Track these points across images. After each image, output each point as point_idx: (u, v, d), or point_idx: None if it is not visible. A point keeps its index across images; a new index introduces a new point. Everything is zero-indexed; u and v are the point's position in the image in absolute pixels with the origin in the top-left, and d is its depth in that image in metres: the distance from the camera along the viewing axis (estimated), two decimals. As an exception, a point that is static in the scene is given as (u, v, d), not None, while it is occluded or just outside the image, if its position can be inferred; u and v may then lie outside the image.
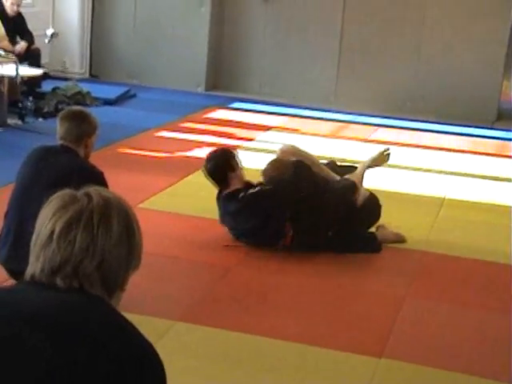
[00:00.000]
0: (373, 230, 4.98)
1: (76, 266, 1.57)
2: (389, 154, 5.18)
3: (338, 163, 5.37)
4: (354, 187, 4.82)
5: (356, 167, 5.13)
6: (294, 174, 4.68)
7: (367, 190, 5.01)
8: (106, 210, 1.63)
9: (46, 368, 1.40)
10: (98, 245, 1.59)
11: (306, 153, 5.05)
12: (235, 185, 4.69)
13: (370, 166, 5.11)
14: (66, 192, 1.67)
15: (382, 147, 5.39)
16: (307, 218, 4.60)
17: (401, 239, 5.00)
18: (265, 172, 4.79)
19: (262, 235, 4.59)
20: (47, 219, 1.63)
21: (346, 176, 4.95)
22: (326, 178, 4.92)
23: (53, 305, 1.52)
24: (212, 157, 4.81)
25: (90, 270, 1.57)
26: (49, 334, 1.45)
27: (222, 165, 4.71)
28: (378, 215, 4.96)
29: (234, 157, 4.78)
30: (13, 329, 1.47)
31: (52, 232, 1.60)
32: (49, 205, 1.65)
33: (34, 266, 1.61)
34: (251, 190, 4.63)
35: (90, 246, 1.58)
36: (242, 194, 4.60)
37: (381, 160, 5.18)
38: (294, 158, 4.84)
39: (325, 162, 5.28)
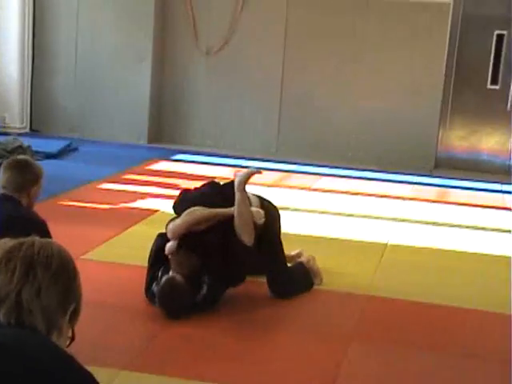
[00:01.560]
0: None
1: (18, 293, 1.57)
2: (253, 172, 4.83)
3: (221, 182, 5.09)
4: (251, 238, 4.53)
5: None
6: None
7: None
8: (46, 246, 1.66)
9: None
10: (38, 272, 1.59)
11: (186, 219, 4.48)
12: None
13: (246, 183, 4.69)
14: (5, 239, 1.69)
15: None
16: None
17: (320, 276, 5.04)
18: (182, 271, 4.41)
19: None
20: None
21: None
22: (222, 216, 4.58)
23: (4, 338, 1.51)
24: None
25: (30, 296, 1.57)
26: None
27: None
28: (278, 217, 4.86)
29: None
30: None
31: None
32: None
33: None
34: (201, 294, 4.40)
35: (30, 271, 1.58)
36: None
37: (249, 173, 4.75)
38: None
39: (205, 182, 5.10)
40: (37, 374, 1.44)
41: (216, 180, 5.23)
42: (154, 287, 4.43)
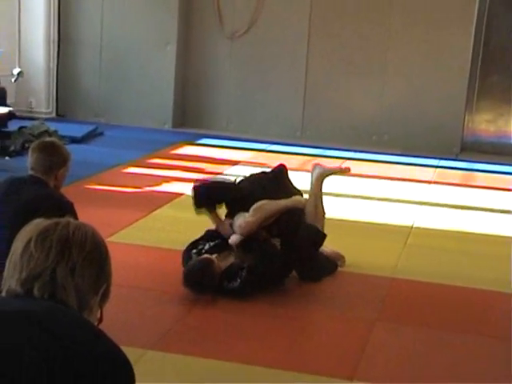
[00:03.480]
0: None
1: (52, 270, 1.59)
2: (346, 169, 5.05)
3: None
4: (323, 237, 4.71)
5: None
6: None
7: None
8: (81, 227, 1.69)
9: (21, 360, 1.41)
10: (73, 251, 1.61)
11: (259, 215, 4.55)
12: None
13: (327, 176, 4.93)
14: (39, 219, 1.71)
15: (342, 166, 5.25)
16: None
17: (343, 257, 5.03)
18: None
19: None
20: (21, 236, 1.67)
21: (307, 198, 4.81)
22: (287, 208, 4.68)
23: (29, 306, 1.54)
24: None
25: (64, 274, 1.60)
26: (26, 330, 1.46)
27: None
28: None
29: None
30: None
31: (29, 240, 1.63)
32: (22, 230, 1.69)
33: (10, 279, 1.64)
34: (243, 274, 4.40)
35: (66, 250, 1.60)
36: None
37: (336, 169, 5.06)
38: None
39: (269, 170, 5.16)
40: (67, 343, 1.46)
41: (263, 171, 5.23)
42: (193, 254, 4.48)
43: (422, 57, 9.48)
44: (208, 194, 4.73)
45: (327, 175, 4.96)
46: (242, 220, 4.52)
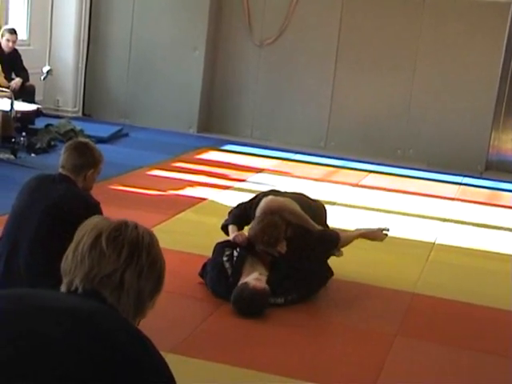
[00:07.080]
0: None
1: (122, 272, 1.59)
2: (386, 234, 4.95)
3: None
4: (337, 241, 4.68)
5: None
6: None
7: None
8: (146, 231, 1.69)
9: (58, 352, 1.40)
10: (142, 255, 1.61)
11: (287, 203, 4.73)
12: None
13: (363, 236, 4.92)
14: (95, 216, 1.70)
15: (381, 224, 5.20)
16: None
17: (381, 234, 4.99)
18: (259, 239, 4.47)
19: None
20: (87, 230, 1.63)
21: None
22: (307, 225, 4.72)
23: (86, 305, 1.52)
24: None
25: (132, 278, 1.60)
26: (74, 329, 1.44)
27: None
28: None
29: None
30: (40, 319, 1.45)
31: (98, 236, 1.60)
32: (86, 225, 1.66)
33: (74, 273, 1.61)
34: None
35: (135, 253, 1.60)
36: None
37: (377, 235, 4.95)
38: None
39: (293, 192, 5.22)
40: (111, 347, 1.44)
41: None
42: (226, 262, 4.46)
43: (450, 74, 9.44)
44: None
45: (365, 235, 4.92)
46: (273, 196, 4.71)
